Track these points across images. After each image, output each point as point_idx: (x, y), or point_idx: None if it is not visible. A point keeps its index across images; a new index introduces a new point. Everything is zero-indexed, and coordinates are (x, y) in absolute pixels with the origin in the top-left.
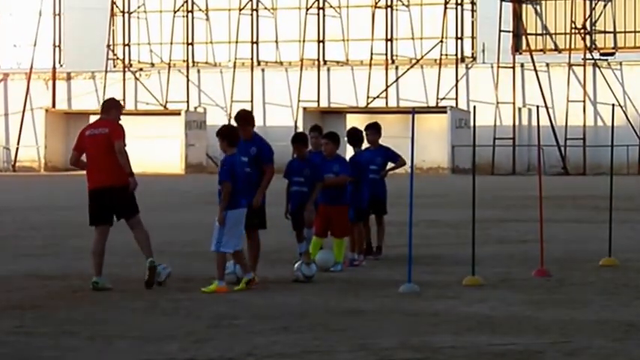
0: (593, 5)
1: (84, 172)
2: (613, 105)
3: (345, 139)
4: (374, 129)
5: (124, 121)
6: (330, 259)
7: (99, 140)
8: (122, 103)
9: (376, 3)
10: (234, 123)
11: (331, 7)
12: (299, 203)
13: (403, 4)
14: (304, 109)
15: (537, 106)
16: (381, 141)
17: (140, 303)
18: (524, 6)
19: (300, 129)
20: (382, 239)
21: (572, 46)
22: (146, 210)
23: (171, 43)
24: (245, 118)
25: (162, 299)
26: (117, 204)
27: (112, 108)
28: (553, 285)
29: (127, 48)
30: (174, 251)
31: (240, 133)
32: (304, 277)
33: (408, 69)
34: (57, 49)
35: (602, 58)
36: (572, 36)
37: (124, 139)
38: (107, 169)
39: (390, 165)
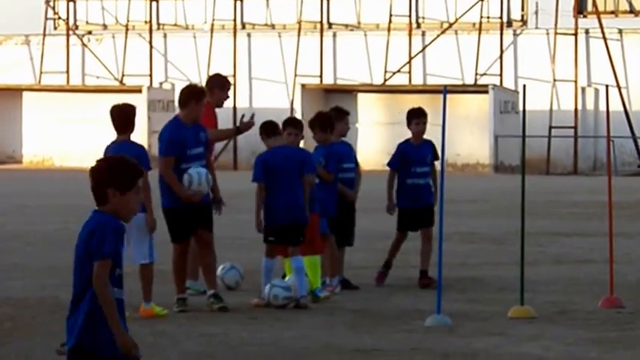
0: None
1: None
2: None
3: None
4: (424, 116)
5: (67, 100)
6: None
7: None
8: (63, 73)
9: None
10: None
11: None
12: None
13: None
14: (303, 86)
15: (607, 86)
16: (398, 128)
17: None
18: None
19: (298, 111)
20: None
21: None
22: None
23: None
24: (192, 93)
25: None
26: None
27: (214, 87)
28: (625, 319)
29: (71, 4)
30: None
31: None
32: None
33: (438, 36)
34: None
35: None
36: None
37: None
38: None
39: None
